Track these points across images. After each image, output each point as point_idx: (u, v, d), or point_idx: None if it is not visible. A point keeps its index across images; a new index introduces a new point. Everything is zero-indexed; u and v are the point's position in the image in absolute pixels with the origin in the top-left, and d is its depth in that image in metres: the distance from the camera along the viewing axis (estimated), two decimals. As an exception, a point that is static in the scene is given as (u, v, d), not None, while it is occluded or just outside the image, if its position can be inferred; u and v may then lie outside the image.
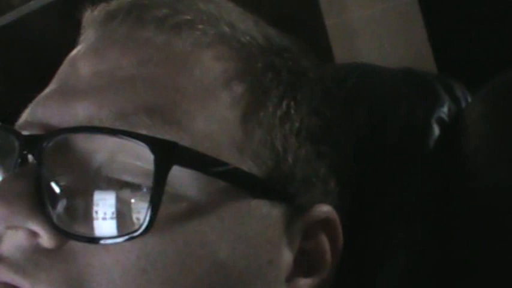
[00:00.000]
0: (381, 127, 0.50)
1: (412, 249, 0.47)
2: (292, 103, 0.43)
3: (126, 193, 0.37)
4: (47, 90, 0.42)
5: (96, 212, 0.37)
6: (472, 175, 0.46)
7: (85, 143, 0.38)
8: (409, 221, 0.47)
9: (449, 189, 0.47)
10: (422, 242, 0.47)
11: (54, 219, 0.36)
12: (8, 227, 0.37)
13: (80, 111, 0.39)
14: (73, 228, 0.37)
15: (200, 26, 0.42)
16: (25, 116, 0.41)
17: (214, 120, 0.40)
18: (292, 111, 0.42)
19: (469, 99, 0.53)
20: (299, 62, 0.45)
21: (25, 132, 0.39)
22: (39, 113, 0.40)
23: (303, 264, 0.42)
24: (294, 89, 0.43)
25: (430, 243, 0.47)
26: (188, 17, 0.42)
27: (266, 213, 0.40)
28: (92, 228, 0.37)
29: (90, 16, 0.45)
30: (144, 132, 0.37)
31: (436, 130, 0.50)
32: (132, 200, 0.37)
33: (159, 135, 0.37)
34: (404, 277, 0.47)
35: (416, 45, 0.75)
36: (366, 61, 0.70)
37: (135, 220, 0.36)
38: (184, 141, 0.38)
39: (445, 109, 0.51)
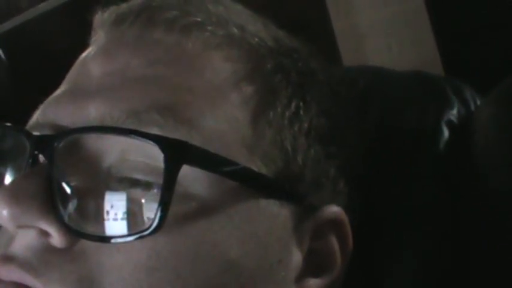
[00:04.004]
0: (390, 129, 0.50)
1: (420, 251, 0.47)
2: (301, 104, 0.43)
3: (136, 193, 0.37)
4: (58, 91, 0.43)
5: (107, 213, 0.37)
6: (481, 177, 0.46)
7: (96, 142, 0.38)
8: (417, 223, 0.47)
9: (458, 191, 0.47)
10: (431, 244, 0.47)
11: (65, 218, 0.36)
12: (19, 227, 0.37)
13: (92, 111, 0.39)
14: (84, 228, 0.37)
15: (209, 28, 0.42)
16: (36, 116, 0.41)
17: (225, 120, 0.40)
18: (301, 112, 0.43)
19: (478, 102, 0.53)
20: (308, 64, 0.45)
21: (36, 133, 0.39)
22: (50, 113, 0.41)
23: (312, 265, 0.42)
24: (303, 90, 0.43)
25: (438, 245, 0.47)
26: (198, 19, 0.42)
27: (275, 212, 0.40)
28: (102, 228, 0.37)
29: (100, 18, 0.45)
30: (155, 130, 0.37)
31: (446, 132, 0.50)
32: (143, 200, 0.37)
33: (170, 133, 0.37)
34: (412, 279, 0.47)
35: (423, 49, 0.75)
36: (374, 64, 0.70)
37: (145, 219, 0.37)
38: (195, 139, 0.38)
39: (455, 111, 0.51)
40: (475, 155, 0.47)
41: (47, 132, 0.39)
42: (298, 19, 0.78)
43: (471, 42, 0.73)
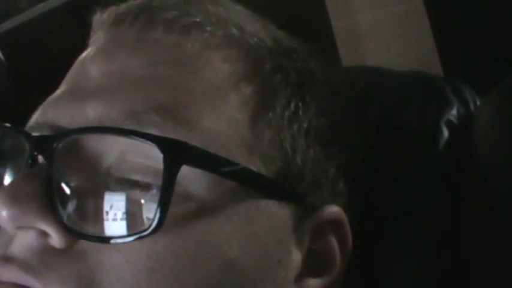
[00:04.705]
0: (390, 129, 0.50)
1: (420, 251, 0.47)
2: (300, 104, 0.43)
3: (136, 193, 0.37)
4: (57, 92, 0.43)
5: (107, 213, 0.37)
6: (481, 177, 0.46)
7: (95, 143, 0.38)
8: (417, 223, 0.47)
9: (458, 191, 0.47)
10: (431, 244, 0.47)
11: (65, 219, 0.36)
12: (19, 227, 0.37)
13: (91, 111, 0.39)
14: (83, 229, 0.37)
15: (209, 28, 0.42)
16: (35, 117, 0.42)
17: (224, 120, 0.40)
18: (301, 112, 0.43)
19: (478, 102, 0.53)
20: (307, 64, 0.45)
21: (35, 133, 0.39)
22: (49, 114, 0.41)
23: (312, 265, 0.42)
24: (302, 90, 0.43)
25: (438, 245, 0.47)
26: (197, 19, 0.42)
27: (275, 213, 0.40)
28: (102, 228, 0.37)
29: (99, 19, 0.45)
30: (154, 130, 0.37)
31: (446, 133, 0.50)
32: (142, 201, 0.37)
33: (169, 134, 0.37)
34: (412, 279, 0.47)
35: (422, 49, 0.75)
36: (373, 64, 0.70)
37: (145, 220, 0.37)
38: (194, 140, 0.38)
39: (454, 112, 0.51)
40: (474, 155, 0.47)
41: (46, 132, 0.39)
42: (297, 19, 0.78)
43: (470, 43, 0.73)
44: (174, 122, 0.38)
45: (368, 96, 0.52)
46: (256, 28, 0.45)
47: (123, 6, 0.44)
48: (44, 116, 0.41)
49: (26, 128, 0.41)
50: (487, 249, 0.45)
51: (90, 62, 0.42)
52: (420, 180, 0.48)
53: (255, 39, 0.43)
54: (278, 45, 0.44)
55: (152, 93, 0.39)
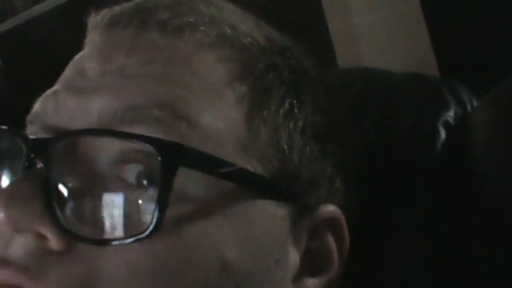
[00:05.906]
0: (387, 130, 0.50)
1: (419, 250, 0.47)
2: (295, 102, 0.43)
3: (133, 194, 0.37)
4: (56, 87, 0.42)
5: (104, 214, 0.37)
6: (478, 178, 0.46)
7: (92, 143, 0.38)
8: (415, 224, 0.48)
9: (455, 192, 0.47)
10: (429, 244, 0.47)
11: (63, 221, 0.36)
12: (17, 230, 0.37)
13: (92, 107, 0.39)
14: (81, 230, 0.37)
15: (202, 28, 0.42)
16: (36, 108, 0.41)
17: (221, 119, 0.40)
18: (296, 110, 0.43)
19: (474, 103, 0.53)
20: (301, 62, 0.45)
21: (33, 131, 0.39)
22: (50, 106, 0.40)
23: (310, 264, 0.42)
24: (297, 88, 0.44)
25: (436, 245, 0.47)
26: (190, 19, 0.43)
27: (272, 213, 0.40)
28: (100, 230, 0.37)
29: (94, 20, 0.45)
30: (155, 125, 0.37)
31: (443, 134, 0.50)
32: (140, 201, 0.37)
33: (169, 130, 0.37)
34: (412, 279, 0.47)
35: (419, 50, 0.75)
36: (369, 66, 0.70)
37: (142, 221, 0.36)
38: (194, 136, 0.38)
39: (451, 113, 0.51)
40: (472, 155, 0.47)
41: (43, 133, 0.39)
42: (294, 21, 0.78)
43: (467, 44, 0.73)
44: (174, 118, 0.38)
45: (365, 97, 0.52)
46: (249, 27, 0.45)
47: (117, 8, 0.44)
48: (45, 108, 0.41)
49: (28, 117, 0.41)
50: (486, 249, 0.45)
51: (87, 62, 0.42)
52: (417, 180, 0.48)
53: (248, 38, 0.44)
54: (271, 43, 0.45)
55: (152, 89, 0.39)
